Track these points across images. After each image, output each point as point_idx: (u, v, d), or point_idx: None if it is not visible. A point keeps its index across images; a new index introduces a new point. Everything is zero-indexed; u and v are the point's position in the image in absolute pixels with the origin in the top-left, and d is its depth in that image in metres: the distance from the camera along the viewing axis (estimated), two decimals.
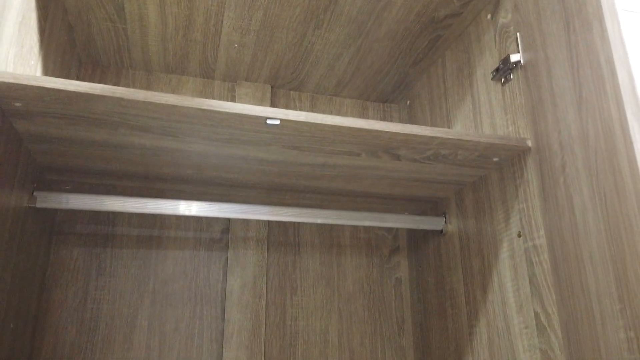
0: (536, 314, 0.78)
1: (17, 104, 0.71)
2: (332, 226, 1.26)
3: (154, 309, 1.08)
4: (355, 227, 1.28)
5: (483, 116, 0.98)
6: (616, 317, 0.54)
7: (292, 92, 1.35)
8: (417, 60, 1.21)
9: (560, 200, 0.68)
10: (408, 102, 1.35)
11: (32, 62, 0.85)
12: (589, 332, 0.62)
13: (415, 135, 0.81)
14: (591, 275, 0.60)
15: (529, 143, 0.83)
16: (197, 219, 1.17)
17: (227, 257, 1.15)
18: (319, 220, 1.02)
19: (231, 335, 1.09)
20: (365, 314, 1.20)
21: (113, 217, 1.12)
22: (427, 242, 1.18)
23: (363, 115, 1.38)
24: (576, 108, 0.61)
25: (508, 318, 0.85)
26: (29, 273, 0.94)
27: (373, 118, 1.39)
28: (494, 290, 0.90)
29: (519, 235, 0.84)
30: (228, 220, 1.18)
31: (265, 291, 1.14)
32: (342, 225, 1.27)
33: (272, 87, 1.33)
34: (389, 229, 1.30)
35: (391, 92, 1.36)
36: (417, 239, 1.24)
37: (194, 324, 1.09)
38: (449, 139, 0.82)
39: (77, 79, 1.17)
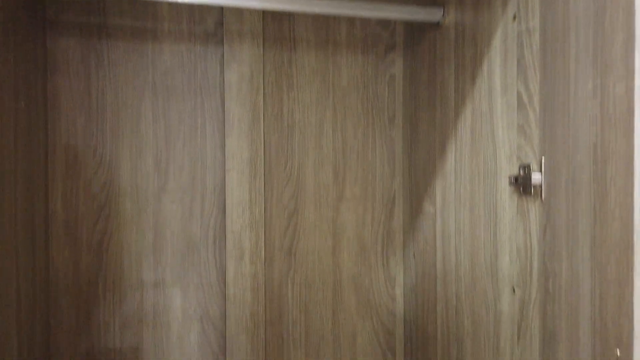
0: (519, 94, 0.83)
1: None
2: (328, 22, 1.24)
3: (157, 101, 1.13)
4: (352, 24, 1.26)
5: None
6: (588, 73, 0.58)
7: None
8: None
9: None
10: None
11: None
12: (562, 97, 0.67)
13: None
14: (574, 42, 0.63)
15: None
16: (190, 11, 1.15)
17: (223, 52, 1.16)
18: (317, 10, 1.00)
19: (232, 125, 1.16)
20: (358, 108, 1.26)
21: (103, 5, 1.10)
22: (423, 38, 1.18)
23: None
24: None
25: (492, 100, 0.90)
26: (30, 62, 0.96)
27: None
28: (482, 77, 0.93)
29: (514, 18, 0.84)
30: (221, 12, 1.16)
31: (262, 85, 1.18)
32: (339, 22, 1.25)
33: None
34: (385, 27, 1.28)
35: None
36: (413, 36, 1.24)
37: (196, 114, 1.15)
38: None
39: None
